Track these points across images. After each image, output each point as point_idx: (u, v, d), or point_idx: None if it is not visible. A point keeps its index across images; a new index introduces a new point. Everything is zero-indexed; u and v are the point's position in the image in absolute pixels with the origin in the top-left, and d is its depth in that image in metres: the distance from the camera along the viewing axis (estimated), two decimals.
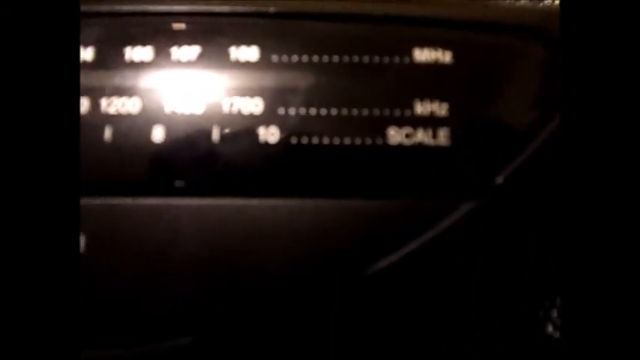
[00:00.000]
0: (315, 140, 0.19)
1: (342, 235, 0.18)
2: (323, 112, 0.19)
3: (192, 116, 0.19)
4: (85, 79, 0.19)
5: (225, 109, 0.19)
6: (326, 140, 0.19)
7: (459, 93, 0.19)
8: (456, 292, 0.19)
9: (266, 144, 0.19)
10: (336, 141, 0.19)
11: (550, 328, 0.19)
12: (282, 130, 0.19)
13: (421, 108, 0.19)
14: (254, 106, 0.19)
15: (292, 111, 0.19)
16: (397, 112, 0.19)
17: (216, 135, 0.19)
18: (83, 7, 0.20)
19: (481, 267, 0.19)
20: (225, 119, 0.19)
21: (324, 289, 0.18)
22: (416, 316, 0.19)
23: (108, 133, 0.19)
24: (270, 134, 0.19)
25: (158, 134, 0.19)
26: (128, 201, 0.19)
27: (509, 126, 0.19)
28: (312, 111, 0.19)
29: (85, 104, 0.19)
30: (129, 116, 0.19)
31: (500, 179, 0.19)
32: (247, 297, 0.18)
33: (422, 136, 0.19)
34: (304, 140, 0.19)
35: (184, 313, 0.18)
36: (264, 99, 0.19)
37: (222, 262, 0.18)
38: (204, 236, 0.18)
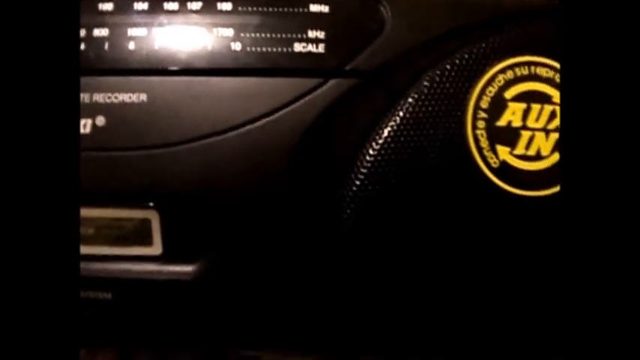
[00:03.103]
0: (259, 49, 0.38)
1: (256, 93, 0.38)
2: (264, 35, 0.38)
3: (193, 38, 0.38)
4: (119, 19, 0.39)
5: (214, 34, 0.38)
6: (264, 49, 0.38)
7: (331, 26, 0.39)
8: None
9: (235, 50, 0.38)
10: (270, 50, 0.38)
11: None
12: (242, 44, 0.38)
13: (311, 34, 0.38)
14: (229, 32, 0.38)
15: (247, 35, 0.38)
16: (299, 35, 0.38)
17: (209, 47, 0.38)
18: None
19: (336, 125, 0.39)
20: (214, 39, 0.38)
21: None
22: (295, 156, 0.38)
23: (132, 45, 0.38)
24: (237, 46, 0.38)
25: (166, 46, 0.38)
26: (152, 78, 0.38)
27: (355, 41, 0.39)
28: (259, 35, 0.38)
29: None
30: (144, 37, 0.38)
31: (349, 67, 0.38)
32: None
33: (311, 47, 0.38)
34: (254, 49, 0.38)
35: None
36: (234, 29, 0.38)
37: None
38: (192, 91, 0.38)
